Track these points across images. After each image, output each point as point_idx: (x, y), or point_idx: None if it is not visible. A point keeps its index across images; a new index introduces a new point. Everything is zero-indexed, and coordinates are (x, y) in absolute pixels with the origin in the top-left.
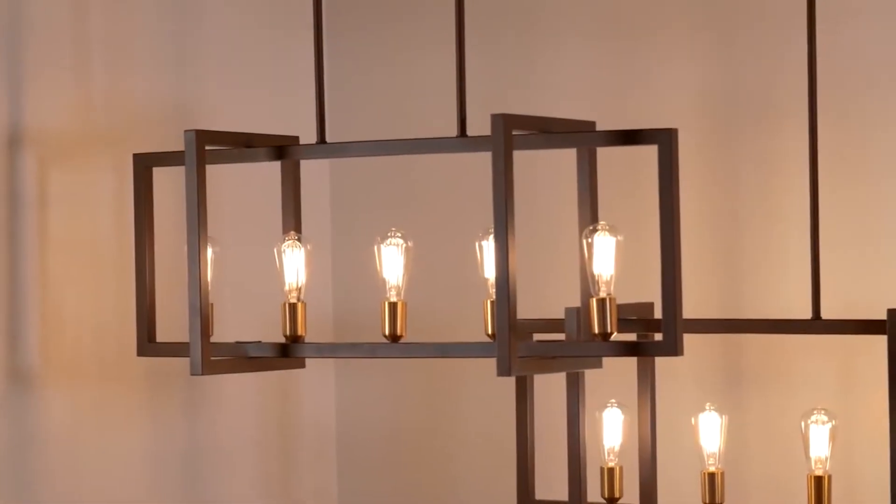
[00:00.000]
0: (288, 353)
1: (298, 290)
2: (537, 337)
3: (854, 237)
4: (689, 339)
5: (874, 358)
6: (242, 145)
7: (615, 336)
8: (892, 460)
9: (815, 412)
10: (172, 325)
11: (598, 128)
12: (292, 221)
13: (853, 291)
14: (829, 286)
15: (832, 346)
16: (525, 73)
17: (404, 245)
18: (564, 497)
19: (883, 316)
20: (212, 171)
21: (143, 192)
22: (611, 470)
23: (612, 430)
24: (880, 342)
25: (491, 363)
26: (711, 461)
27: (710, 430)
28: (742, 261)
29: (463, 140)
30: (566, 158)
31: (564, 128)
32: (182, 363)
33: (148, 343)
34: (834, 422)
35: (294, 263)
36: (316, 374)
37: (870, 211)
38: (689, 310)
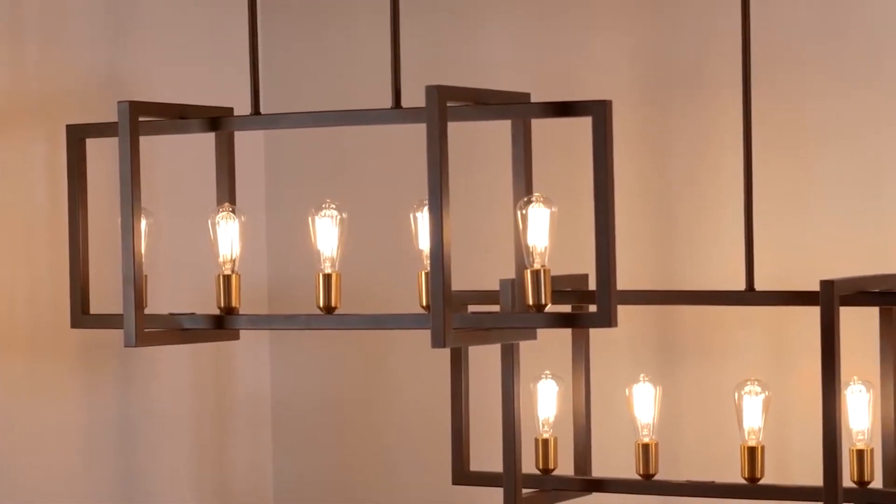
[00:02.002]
0: (222, 324)
1: (233, 261)
2: (472, 308)
3: (787, 209)
4: (623, 311)
5: (807, 329)
6: (176, 117)
7: (549, 307)
8: (825, 431)
9: (748, 383)
10: (106, 296)
11: (533, 99)
12: (226, 193)
13: (786, 263)
14: (762, 257)
15: (765, 317)
16: (459, 45)
17: (339, 216)
18: (499, 468)
19: (815, 287)
20: (145, 142)
21: (77, 163)
22: (545, 441)
23: (546, 401)
24: (813, 313)
25: (425, 335)
26: (645, 432)
27: (644, 401)
28: (676, 232)
29: (397, 112)
30: (501, 130)
31: (499, 99)
32: (116, 335)
33: (81, 315)
34: (767, 393)
35: (228, 235)
36: (250, 346)
37: (803, 182)
38: (624, 281)
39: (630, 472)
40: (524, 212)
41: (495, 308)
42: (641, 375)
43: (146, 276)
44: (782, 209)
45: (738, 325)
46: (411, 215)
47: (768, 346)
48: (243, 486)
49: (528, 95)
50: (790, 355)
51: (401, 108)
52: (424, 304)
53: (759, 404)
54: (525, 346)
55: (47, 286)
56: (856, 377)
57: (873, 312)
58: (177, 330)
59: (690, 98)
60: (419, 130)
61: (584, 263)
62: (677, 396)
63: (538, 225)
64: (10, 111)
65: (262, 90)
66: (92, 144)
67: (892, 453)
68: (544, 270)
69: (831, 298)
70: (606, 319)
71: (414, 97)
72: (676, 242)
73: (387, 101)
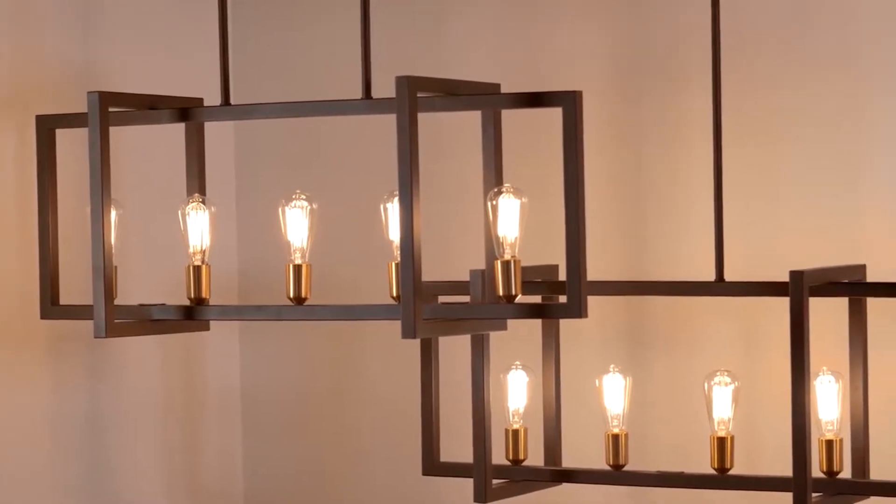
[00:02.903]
0: (192, 315)
1: (203, 252)
2: (442, 299)
3: (757, 199)
4: (594, 301)
5: (777, 319)
6: (146, 107)
7: (520, 298)
8: (794, 421)
9: (718, 374)
10: (76, 287)
11: (504, 90)
12: (196, 184)
13: (756, 253)
14: (732, 248)
15: (735, 307)
16: (430, 36)
17: (309, 207)
18: (469, 459)
19: (785, 278)
20: (115, 132)
21: (46, 153)
22: (515, 432)
23: (516, 392)
24: (783, 304)
25: (396, 325)
26: (615, 422)
27: (614, 392)
28: (646, 223)
29: (368, 102)
30: (471, 121)
31: (469, 90)
32: (86, 326)
33: (51, 306)
34: (737, 383)
35: (198, 226)
36: (220, 337)
37: (773, 173)
38: (594, 272)
39: (600, 463)
40: (494, 202)
41: (466, 299)
42: (611, 366)
43: (116, 266)
44: (752, 200)
45: (708, 315)
46: (382, 206)
47: (738, 337)
48: (213, 477)
49: (498, 86)
50: (760, 346)
51: (371, 98)
52: (395, 294)
53: (728, 395)
54: (495, 337)
55: (17, 277)
56: (825, 367)
57: (843, 303)
58: (147, 321)
59: (661, 89)
60: (390, 121)
61: (555, 254)
62: (647, 387)
63: (508, 215)
64: None
65: (233, 81)
66: (62, 135)
67: (861, 444)
68: (514, 261)
69: (801, 289)
70: (577, 310)
71: (385, 88)
72: (647, 233)
73: (358, 92)
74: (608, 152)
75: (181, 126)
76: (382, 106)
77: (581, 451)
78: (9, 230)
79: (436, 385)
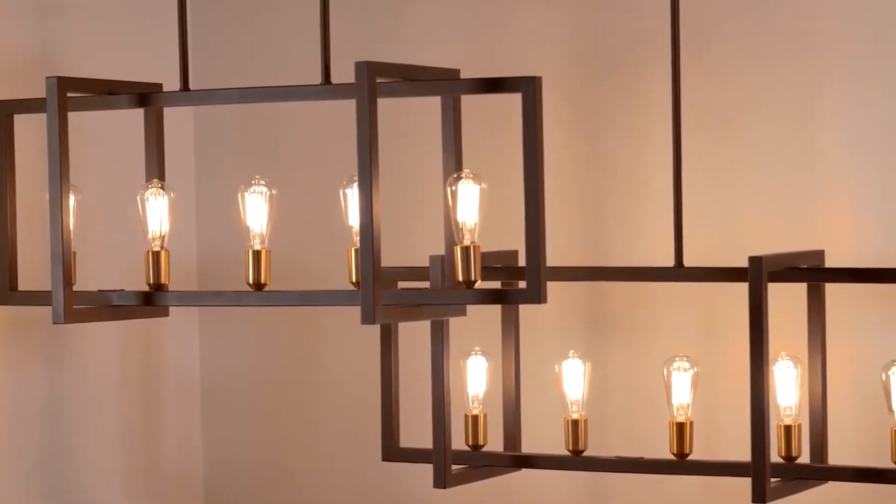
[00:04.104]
0: (151, 301)
1: (162, 238)
2: (402, 285)
3: (716, 185)
4: (553, 287)
5: (736, 305)
6: (105, 92)
7: (479, 284)
8: (753, 406)
9: (677, 359)
10: (34, 273)
11: (463, 75)
12: (155, 169)
13: (715, 239)
14: (691, 234)
15: (694, 293)
16: (390, 22)
17: (268, 193)
18: (429, 445)
19: (744, 263)
20: (74, 118)
21: (4, 139)
22: (475, 417)
23: (476, 377)
24: (742, 289)
25: (355, 311)
26: (575, 408)
27: (574, 378)
28: (606, 208)
29: (327, 88)
30: (431, 106)
31: (429, 75)
32: (44, 312)
33: (10, 292)
34: (696, 369)
35: (157, 211)
36: (180, 323)
37: (732, 159)
38: (553, 257)
39: (559, 449)
40: (454, 188)
41: (425, 284)
42: (571, 351)
43: (75, 252)
44: (712, 185)
45: (667, 301)
46: (341, 191)
47: (697, 323)
48: (172, 464)
49: (457, 72)
50: (719, 331)
51: (330, 84)
52: (354, 280)
53: (687, 380)
54: (455, 323)
55: None
56: (784, 353)
57: (801, 288)
58: (106, 307)
59: (620, 74)
60: (349, 106)
61: (514, 239)
62: (607, 373)
63: (468, 201)
64: None
65: (192, 67)
66: (20, 120)
67: (820, 429)
68: (474, 247)
69: (759, 274)
70: (536, 296)
71: (344, 73)
72: (606, 219)
73: (317, 78)
74: (568, 138)
75: (140, 111)
76: (342, 91)
77: (540, 437)
78: None
79: (395, 371)
